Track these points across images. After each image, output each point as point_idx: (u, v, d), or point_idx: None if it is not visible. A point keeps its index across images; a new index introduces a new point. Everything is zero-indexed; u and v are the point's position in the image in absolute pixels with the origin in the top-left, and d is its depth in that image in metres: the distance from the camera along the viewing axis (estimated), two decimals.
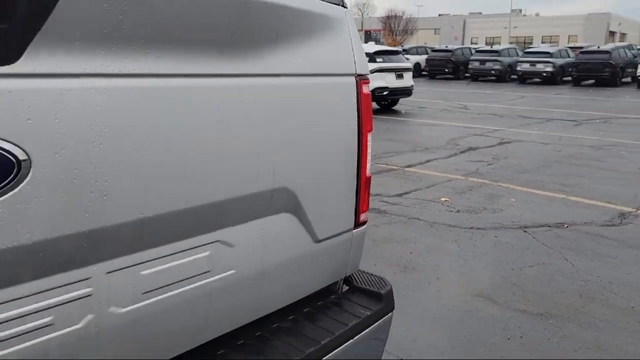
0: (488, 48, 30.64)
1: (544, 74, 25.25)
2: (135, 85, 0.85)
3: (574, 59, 26.32)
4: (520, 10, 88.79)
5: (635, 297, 3.60)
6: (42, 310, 0.80)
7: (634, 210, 5.54)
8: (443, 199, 5.80)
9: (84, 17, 0.76)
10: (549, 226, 5.00)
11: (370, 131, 1.35)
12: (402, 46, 32.38)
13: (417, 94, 15.83)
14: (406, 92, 14.32)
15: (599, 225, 5.07)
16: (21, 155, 0.73)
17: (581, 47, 31.16)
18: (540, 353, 2.90)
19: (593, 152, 8.82)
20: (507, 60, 26.90)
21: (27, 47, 0.71)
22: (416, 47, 33.64)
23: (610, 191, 6.25)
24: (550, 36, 70.27)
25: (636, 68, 24.01)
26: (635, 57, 26.11)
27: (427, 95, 18.83)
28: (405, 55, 19.38)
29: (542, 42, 65.30)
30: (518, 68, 25.86)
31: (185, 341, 1.03)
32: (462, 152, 8.67)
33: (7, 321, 0.76)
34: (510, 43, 56.56)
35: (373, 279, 1.48)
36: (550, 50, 26.91)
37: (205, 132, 0.96)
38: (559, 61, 25.86)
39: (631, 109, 15.53)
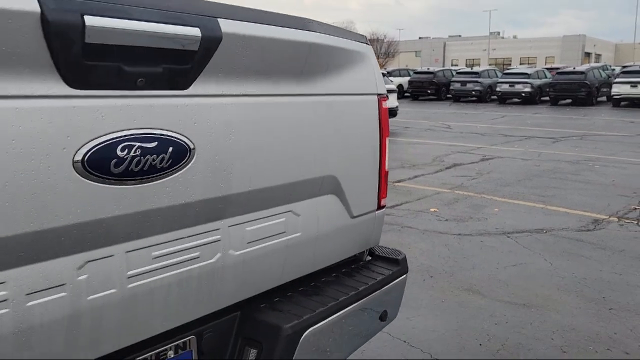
0: (468, 70, 31.55)
1: (523, 94, 26.09)
2: (249, 101, 1.27)
3: (551, 79, 27.24)
4: (499, 33, 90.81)
5: (605, 289, 4.06)
6: (195, 247, 1.21)
7: (607, 217, 6.05)
8: (432, 210, 6.26)
9: (226, 62, 1.19)
10: (529, 232, 5.47)
11: (387, 136, 1.80)
12: (385, 69, 33.18)
13: (401, 114, 16.42)
14: (391, 112, 14.91)
15: (574, 230, 5.56)
16: (191, 145, 1.15)
17: (558, 68, 32.22)
18: (523, 335, 3.33)
19: (570, 166, 9.38)
20: (487, 81, 27.76)
21: (195, 79, 1.14)
22: (399, 70, 34.48)
23: (585, 201, 6.76)
24: (528, 57, 71.96)
25: (610, 87, 24.94)
26: (610, 77, 27.10)
27: (411, 115, 19.44)
28: (389, 78, 20.02)
29: (520, 64, 66.90)
30: (498, 89, 26.70)
31: (271, 281, 1.45)
32: (447, 168, 9.17)
33: (176, 252, 1.18)
34: (490, 65, 57.93)
35: (389, 250, 1.91)
36: (528, 71, 27.81)
37: (286, 133, 1.39)
38: (537, 82, 26.77)
39: (606, 126, 16.26)
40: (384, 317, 1.74)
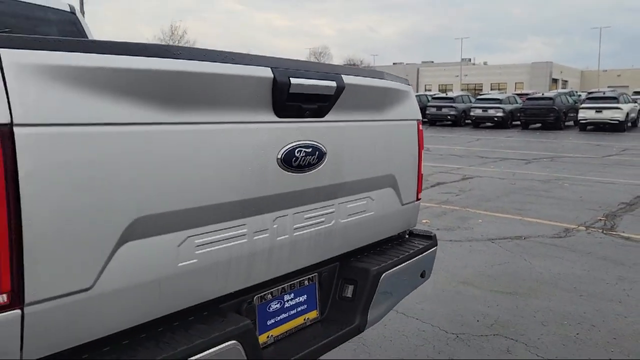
0: (443, 95, 32.83)
1: (495, 119, 27.35)
2: (354, 124, 2.02)
3: (521, 104, 28.58)
4: (470, 59, 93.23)
5: (576, 282, 4.86)
6: (322, 214, 1.95)
7: (576, 227, 6.91)
8: (424, 221, 7.04)
9: (345, 100, 1.94)
10: (510, 238, 6.29)
11: (422, 149, 2.56)
12: None
13: None
14: None
15: (549, 237, 6.40)
16: (324, 150, 1.89)
17: (527, 94, 33.72)
18: (511, 314, 4.10)
19: (542, 184, 10.31)
20: (461, 106, 29.00)
21: (329, 111, 1.89)
22: None
23: (557, 214, 7.64)
24: (499, 83, 74.13)
25: (577, 113, 26.32)
26: (576, 102, 28.55)
27: None
28: None
29: (492, 89, 68.92)
30: (472, 113, 27.94)
31: (358, 242, 2.18)
32: (432, 186, 10.00)
33: (314, 216, 1.92)
34: (462, 90, 59.73)
35: (422, 230, 2.67)
36: (500, 97, 29.16)
37: (370, 144, 2.15)
38: (508, 107, 28.09)
39: (574, 149, 17.40)
40: (423, 275, 2.50)
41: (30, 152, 1.15)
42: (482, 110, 27.51)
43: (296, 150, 1.77)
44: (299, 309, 1.99)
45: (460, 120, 28.59)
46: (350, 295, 2.11)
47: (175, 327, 1.51)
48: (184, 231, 1.48)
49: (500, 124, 27.31)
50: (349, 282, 2.12)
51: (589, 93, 30.98)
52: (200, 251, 1.52)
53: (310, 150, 1.82)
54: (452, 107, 28.50)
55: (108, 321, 1.34)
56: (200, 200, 1.50)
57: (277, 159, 1.72)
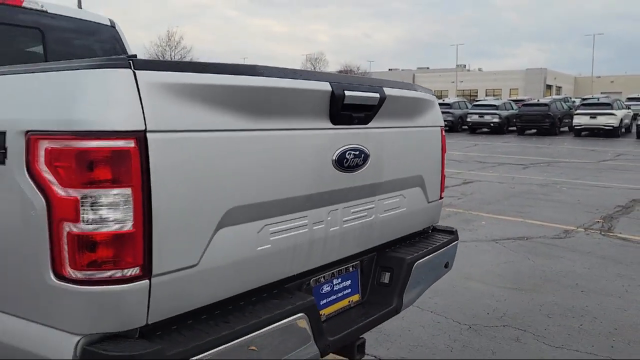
0: (440, 101, 33.22)
1: (492, 125, 27.74)
2: (392, 130, 2.30)
3: (517, 110, 28.99)
4: (465, 66, 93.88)
5: (578, 278, 5.15)
6: (365, 209, 2.23)
7: (575, 228, 7.21)
8: None
9: (385, 109, 2.23)
10: (513, 239, 6.59)
11: (445, 152, 2.84)
12: None
13: None
14: None
15: (549, 238, 6.69)
16: (368, 153, 2.17)
17: (523, 100, 34.14)
18: (518, 307, 4.38)
19: (540, 188, 10.63)
20: (458, 112, 29.38)
21: (372, 119, 2.18)
22: None
23: (556, 216, 7.95)
24: (494, 89, 74.70)
25: (572, 119, 26.73)
26: (571, 108, 28.99)
27: None
28: None
29: (487, 95, 69.42)
30: (468, 119, 28.32)
31: (392, 235, 2.46)
32: None
33: (359, 210, 2.20)
34: (458, 96, 60.24)
35: (444, 227, 2.96)
36: (496, 103, 29.57)
37: (404, 147, 2.43)
38: (504, 113, 28.49)
39: (569, 154, 17.76)
40: (446, 265, 2.78)
41: (159, 152, 1.43)
42: (479, 116, 27.89)
43: (347, 153, 2.05)
44: (345, 292, 2.27)
45: (457, 126, 28.96)
46: (387, 281, 2.39)
47: (254, 301, 1.78)
48: (262, 220, 1.75)
49: (497, 130, 27.69)
50: (386, 270, 2.40)
51: (584, 99, 31.43)
52: (273, 238, 1.80)
53: (357, 152, 2.10)
54: (449, 112, 28.84)
55: (207, 293, 1.62)
56: (274, 195, 1.78)
57: (332, 160, 2.00)
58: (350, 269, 2.31)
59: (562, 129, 27.98)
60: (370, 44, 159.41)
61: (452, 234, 2.88)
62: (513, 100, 34.26)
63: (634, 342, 3.77)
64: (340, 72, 76.30)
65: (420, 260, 2.46)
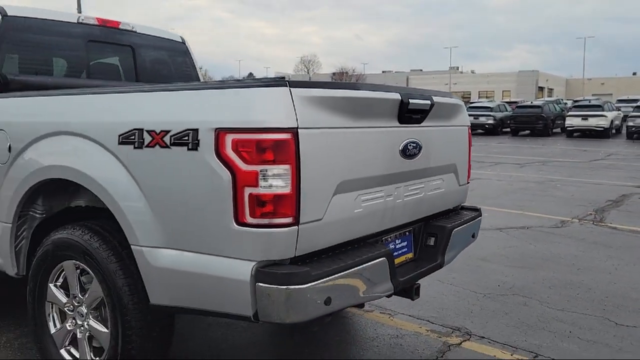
0: None
1: (487, 126, 28.59)
2: (438, 128, 3.03)
3: (511, 112, 29.87)
4: (458, 68, 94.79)
5: (574, 259, 5.91)
6: (418, 188, 2.95)
7: (570, 219, 7.98)
8: None
9: (434, 112, 2.95)
10: (515, 228, 7.35)
11: (471, 145, 3.58)
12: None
13: None
14: None
15: (548, 227, 7.46)
16: (421, 145, 2.88)
17: (516, 102, 35.03)
18: (524, 281, 5.13)
19: (537, 185, 11.42)
20: None
21: (425, 119, 2.90)
22: None
23: (553, 209, 8.72)
24: (486, 91, 75.68)
25: (564, 120, 27.63)
26: (563, 110, 29.90)
27: None
28: None
29: (479, 97, 70.41)
30: None
31: (434, 209, 3.20)
32: None
33: (414, 189, 2.93)
34: None
35: (470, 206, 3.71)
36: (491, 105, 30.43)
37: (445, 141, 3.17)
38: (499, 114, 29.35)
39: (562, 154, 18.60)
40: (474, 235, 3.53)
41: (305, 142, 2.16)
42: (474, 118, 28.69)
43: (408, 144, 2.79)
44: (403, 250, 3.01)
45: None
46: (432, 244, 3.13)
47: (350, 249, 2.52)
48: (357, 191, 2.49)
49: (491, 131, 28.53)
50: (431, 235, 3.14)
51: (575, 101, 32.34)
52: (363, 204, 2.54)
53: (415, 144, 2.84)
54: None
55: (327, 239, 2.35)
56: (364, 173, 2.52)
57: (399, 150, 2.74)
58: (406, 233, 3.05)
59: (554, 130, 28.85)
60: (363, 46, 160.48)
61: (477, 211, 3.63)
62: (506, 102, 35.15)
63: (622, 306, 4.52)
64: (334, 74, 77.18)
65: (457, 228, 3.20)
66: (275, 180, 2.12)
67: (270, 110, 2.12)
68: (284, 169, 2.12)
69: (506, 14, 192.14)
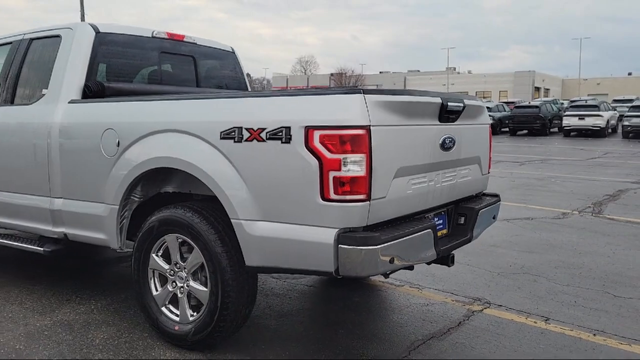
0: None
1: None
2: (468, 126, 3.66)
3: (509, 112, 30.56)
4: (454, 68, 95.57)
5: (575, 244, 6.56)
6: (451, 175, 3.57)
7: (570, 212, 8.64)
8: None
9: (465, 113, 3.58)
10: (520, 219, 8.00)
11: (492, 141, 4.22)
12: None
13: None
14: None
15: (550, 218, 8.11)
16: (456, 140, 3.51)
17: (513, 102, 35.72)
18: (532, 262, 5.77)
19: (538, 182, 12.08)
20: None
21: (458, 118, 3.53)
22: None
23: (554, 202, 9.38)
24: (483, 92, 76.28)
25: (561, 120, 28.34)
26: (560, 110, 30.62)
27: None
28: None
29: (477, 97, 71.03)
30: None
31: (464, 193, 3.83)
32: None
33: (449, 175, 3.57)
34: None
35: (491, 192, 4.35)
36: (490, 105, 31.12)
37: (472, 136, 3.80)
38: (497, 114, 30.03)
39: (560, 152, 19.28)
40: (494, 217, 4.17)
41: (375, 136, 2.79)
42: None
43: (446, 139, 3.42)
44: (440, 226, 3.64)
45: None
46: (462, 223, 3.77)
47: (406, 222, 3.15)
48: (409, 176, 3.13)
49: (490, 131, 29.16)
50: (461, 215, 3.78)
51: (572, 101, 33.03)
52: (413, 187, 3.17)
53: (451, 139, 3.48)
54: None
55: (388, 212, 2.99)
56: (413, 162, 3.15)
57: (439, 143, 3.37)
58: (442, 213, 3.68)
59: (552, 130, 29.55)
60: (358, 47, 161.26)
61: (496, 197, 4.27)
62: (505, 103, 35.86)
63: (619, 282, 5.17)
64: (332, 75, 77.81)
65: (483, 209, 3.85)
66: (353, 165, 2.75)
67: (350, 111, 2.76)
68: (360, 157, 2.75)
69: (502, 15, 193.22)
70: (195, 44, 4.84)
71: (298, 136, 2.82)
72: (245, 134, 2.99)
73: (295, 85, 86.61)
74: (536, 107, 28.94)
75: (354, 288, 4.84)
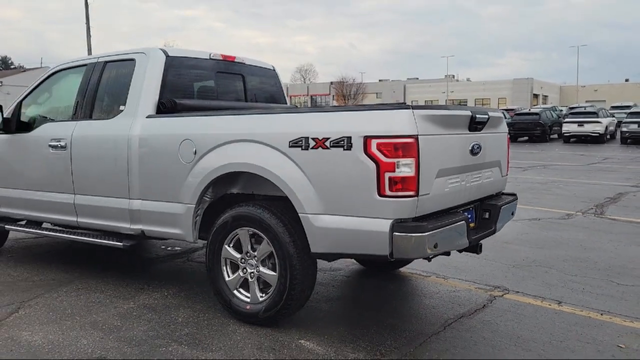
0: None
1: None
2: (491, 135, 4.26)
3: (510, 119, 31.21)
4: (454, 76, 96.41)
5: (581, 242, 7.17)
6: (477, 176, 4.19)
7: (574, 213, 9.26)
8: None
9: (489, 123, 4.19)
10: (528, 219, 8.61)
11: (509, 147, 4.84)
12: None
13: None
14: None
15: (556, 219, 8.73)
16: (482, 146, 4.13)
17: (513, 109, 36.41)
18: (543, 256, 6.38)
19: (541, 186, 12.70)
20: None
21: (483, 128, 4.15)
22: None
23: (558, 204, 10.00)
24: (482, 99, 77.11)
25: (561, 127, 29.00)
26: (560, 117, 31.30)
27: None
28: None
29: (476, 105, 71.92)
30: None
31: (488, 191, 4.44)
32: None
33: (476, 176, 4.18)
34: None
35: (509, 192, 4.96)
36: None
37: (493, 142, 4.40)
38: None
39: (561, 158, 19.91)
40: (512, 214, 4.78)
41: (422, 143, 3.41)
42: None
43: (474, 146, 4.04)
44: (470, 220, 4.24)
45: None
46: (487, 217, 4.38)
47: (444, 215, 3.77)
48: (446, 177, 3.74)
49: None
50: (486, 210, 4.39)
51: (571, 108, 33.72)
52: (449, 186, 3.79)
53: (478, 146, 4.09)
54: None
55: (431, 206, 3.60)
56: (449, 164, 3.77)
57: (469, 149, 3.99)
58: (470, 208, 4.29)
59: (552, 136, 30.19)
60: (356, 55, 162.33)
61: (514, 195, 4.89)
62: (505, 110, 36.55)
63: (622, 273, 5.78)
64: (332, 83, 78.56)
65: (504, 206, 4.46)
66: (405, 168, 3.37)
67: (401, 123, 3.38)
68: (410, 160, 3.37)
69: (498, 22, 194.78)
70: (244, 63, 5.47)
71: (358, 144, 3.44)
72: (311, 143, 3.61)
73: (295, 94, 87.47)
74: (536, 114, 29.62)
75: (387, 278, 5.45)
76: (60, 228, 5.37)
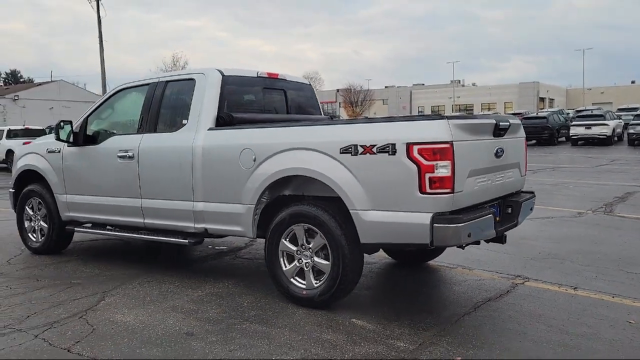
0: None
1: None
2: (512, 140, 4.85)
3: None
4: (459, 81, 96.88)
5: (593, 238, 7.73)
6: (500, 176, 4.77)
7: (585, 211, 9.82)
8: None
9: (509, 129, 4.80)
10: (542, 218, 9.18)
11: (527, 151, 5.43)
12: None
13: None
14: None
15: (567, 217, 9.29)
16: (505, 149, 4.74)
17: (521, 113, 36.93)
18: (557, 249, 6.95)
19: (552, 187, 13.26)
20: None
21: (505, 134, 4.74)
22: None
23: (570, 204, 10.56)
24: (489, 103, 77.48)
25: (568, 130, 29.51)
26: (567, 120, 31.81)
27: None
28: None
29: (482, 109, 72.27)
30: None
31: (509, 190, 5.02)
32: None
33: (499, 176, 4.78)
34: (455, 111, 62.82)
35: (527, 190, 5.54)
36: None
37: (514, 146, 5.00)
38: None
39: (570, 161, 20.44)
40: (531, 209, 5.37)
41: (457, 148, 4.02)
42: None
43: (498, 149, 4.64)
44: (495, 214, 4.83)
45: None
46: (510, 212, 4.97)
47: (475, 209, 4.36)
48: (475, 177, 4.34)
49: None
50: (509, 206, 4.98)
51: (578, 111, 34.22)
52: (478, 184, 4.39)
53: (501, 149, 4.69)
54: None
55: (464, 202, 4.20)
56: (479, 166, 4.37)
57: (494, 153, 4.59)
58: (495, 204, 4.88)
59: (559, 139, 30.69)
60: (360, 61, 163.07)
61: (532, 193, 5.48)
62: (513, 114, 37.08)
63: (631, 264, 6.34)
64: (338, 90, 79.30)
65: (524, 202, 5.06)
66: (442, 169, 3.98)
67: (439, 131, 3.99)
68: (446, 163, 3.98)
69: (501, 25, 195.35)
70: (285, 80, 6.10)
71: (401, 150, 4.05)
72: (360, 149, 4.23)
73: None
74: (544, 117, 30.17)
75: (417, 270, 6.05)
76: (118, 230, 6.02)
